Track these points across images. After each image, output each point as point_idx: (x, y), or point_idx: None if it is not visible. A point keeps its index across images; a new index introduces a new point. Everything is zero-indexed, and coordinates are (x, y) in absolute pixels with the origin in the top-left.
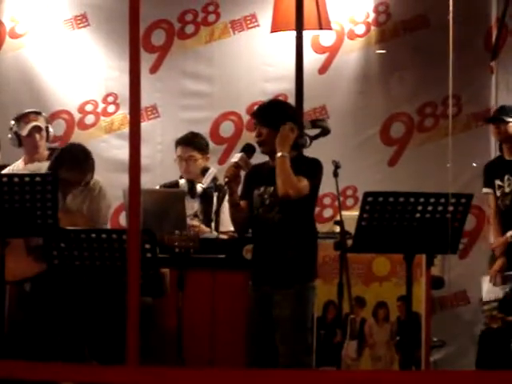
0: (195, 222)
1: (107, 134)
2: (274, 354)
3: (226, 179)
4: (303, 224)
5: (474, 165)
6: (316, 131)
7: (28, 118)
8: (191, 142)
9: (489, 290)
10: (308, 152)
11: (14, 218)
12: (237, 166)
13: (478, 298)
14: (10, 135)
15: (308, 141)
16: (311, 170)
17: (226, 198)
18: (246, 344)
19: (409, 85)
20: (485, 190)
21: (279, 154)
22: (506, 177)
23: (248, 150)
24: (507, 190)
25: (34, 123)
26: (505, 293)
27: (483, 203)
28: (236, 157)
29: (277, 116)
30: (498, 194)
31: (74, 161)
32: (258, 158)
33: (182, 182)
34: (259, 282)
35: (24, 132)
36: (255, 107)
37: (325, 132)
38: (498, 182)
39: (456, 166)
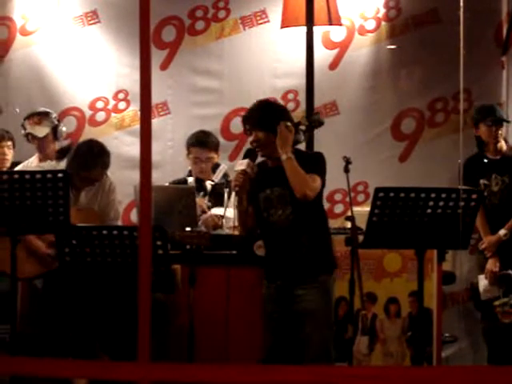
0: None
1: (118, 131)
2: (291, 350)
3: (236, 188)
4: (316, 220)
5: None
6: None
7: (32, 120)
8: (207, 143)
9: (486, 289)
10: (319, 147)
11: (25, 215)
12: (245, 173)
13: (475, 295)
14: (22, 131)
15: (302, 135)
16: (318, 165)
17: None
18: (263, 341)
19: (419, 80)
20: (465, 187)
21: (284, 157)
22: (493, 176)
23: (251, 156)
24: (495, 188)
25: (29, 130)
26: (502, 292)
27: None
28: (242, 164)
29: (270, 117)
30: (485, 193)
31: (96, 159)
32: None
33: (191, 179)
34: (275, 279)
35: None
36: (245, 113)
37: (318, 124)
38: (483, 181)
39: None
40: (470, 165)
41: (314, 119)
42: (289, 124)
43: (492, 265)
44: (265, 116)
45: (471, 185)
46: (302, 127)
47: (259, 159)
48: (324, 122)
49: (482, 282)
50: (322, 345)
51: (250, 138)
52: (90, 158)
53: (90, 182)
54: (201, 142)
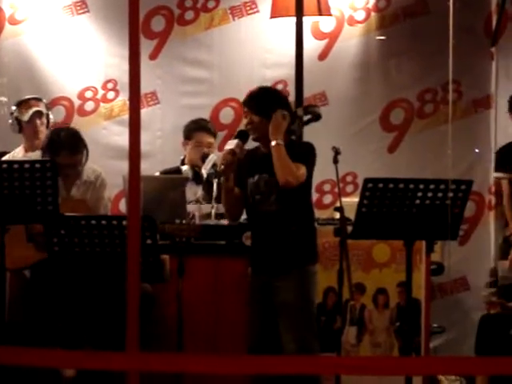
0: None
1: (107, 121)
2: (275, 341)
3: (223, 166)
4: (300, 210)
5: (477, 151)
6: (307, 117)
7: (29, 104)
8: (208, 128)
9: (505, 276)
10: (307, 138)
11: (14, 205)
12: (233, 153)
13: (479, 282)
14: (10, 120)
15: (299, 128)
16: (306, 155)
17: None
18: (248, 331)
19: (409, 71)
20: (497, 174)
21: (274, 143)
22: None
23: (242, 137)
24: None
25: (36, 108)
26: None
27: (484, 189)
28: (231, 144)
29: (268, 104)
30: None
31: (66, 145)
32: (249, 145)
33: (185, 168)
34: (258, 270)
35: (25, 117)
36: (246, 96)
37: (316, 118)
38: None
39: (456, 152)
40: (504, 151)
41: (310, 110)
42: (285, 113)
43: None
44: (263, 101)
45: (503, 171)
46: (303, 117)
47: (253, 145)
48: (321, 116)
49: (502, 268)
50: (297, 340)
51: (245, 121)
52: (57, 143)
53: (67, 169)
54: (203, 127)
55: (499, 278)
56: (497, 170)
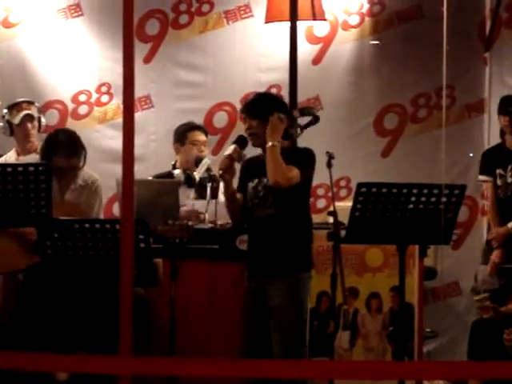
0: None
1: (100, 124)
2: (269, 345)
3: (221, 171)
4: (297, 215)
5: (471, 155)
6: (306, 120)
7: (20, 107)
8: (201, 127)
9: (485, 280)
10: (302, 142)
11: (7, 208)
12: (230, 158)
13: (470, 287)
14: (1, 123)
15: (298, 130)
16: (302, 159)
17: (222, 189)
18: (242, 335)
19: (402, 76)
20: (482, 177)
21: (269, 144)
22: (510, 166)
23: (241, 142)
24: (510, 179)
25: (26, 111)
26: (500, 285)
27: (477, 194)
28: (229, 149)
29: (265, 107)
30: (499, 183)
31: (63, 147)
32: (253, 150)
33: (177, 171)
34: (254, 273)
35: (16, 120)
36: (244, 102)
37: (314, 120)
38: (499, 171)
39: (449, 156)
40: (489, 155)
41: (307, 112)
42: (282, 116)
43: (496, 256)
44: (260, 106)
45: (487, 175)
46: (300, 122)
47: (255, 152)
48: (319, 118)
49: (482, 272)
50: (284, 345)
51: (244, 127)
52: (54, 146)
53: (64, 171)
54: (196, 126)
55: (479, 282)
56: (481, 173)
